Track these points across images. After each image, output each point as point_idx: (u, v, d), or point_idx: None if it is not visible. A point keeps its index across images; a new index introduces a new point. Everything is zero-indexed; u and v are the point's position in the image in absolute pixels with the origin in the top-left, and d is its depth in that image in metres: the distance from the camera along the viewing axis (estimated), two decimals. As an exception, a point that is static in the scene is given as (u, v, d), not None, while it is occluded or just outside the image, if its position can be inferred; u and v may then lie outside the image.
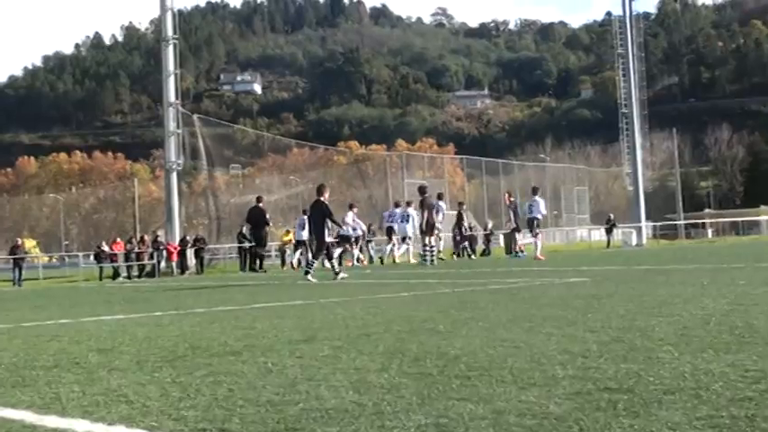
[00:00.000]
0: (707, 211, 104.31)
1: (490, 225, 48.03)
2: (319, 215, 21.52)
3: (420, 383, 4.68)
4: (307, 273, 20.62)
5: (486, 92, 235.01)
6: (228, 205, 53.30)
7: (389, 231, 35.18)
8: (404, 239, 35.21)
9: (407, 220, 35.32)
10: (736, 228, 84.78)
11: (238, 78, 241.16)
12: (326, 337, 7.29)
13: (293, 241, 36.66)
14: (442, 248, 34.54)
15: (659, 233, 68.32)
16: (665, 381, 4.39)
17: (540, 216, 32.01)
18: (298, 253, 33.88)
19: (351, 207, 35.19)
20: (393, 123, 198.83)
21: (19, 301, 19.34)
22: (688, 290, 10.86)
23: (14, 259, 40.08)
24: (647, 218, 58.35)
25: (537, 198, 32.32)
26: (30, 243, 62.36)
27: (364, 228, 36.24)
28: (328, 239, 21.87)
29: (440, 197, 37.74)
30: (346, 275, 20.43)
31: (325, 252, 21.92)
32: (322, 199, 21.62)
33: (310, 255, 22.81)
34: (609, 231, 51.85)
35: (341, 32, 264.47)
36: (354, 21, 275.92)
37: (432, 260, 29.77)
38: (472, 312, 9.16)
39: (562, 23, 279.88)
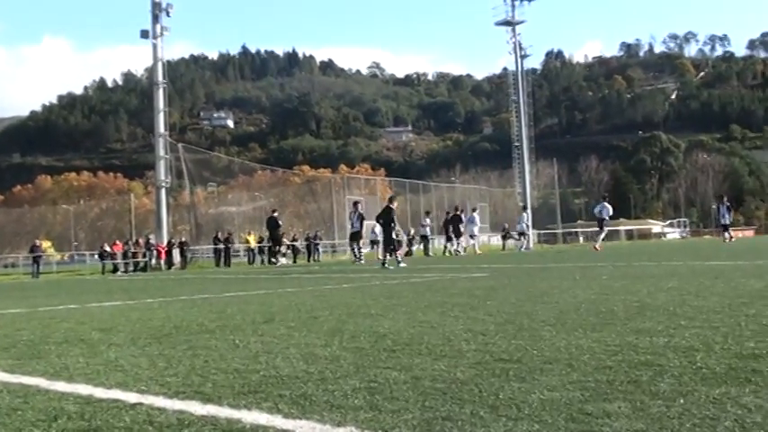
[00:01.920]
0: (579, 222, 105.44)
1: (412, 231, 48.06)
2: (387, 218, 21.93)
3: (356, 355, 4.67)
4: (383, 264, 21.19)
5: (409, 128, 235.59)
6: (206, 215, 52.82)
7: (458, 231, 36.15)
8: (471, 237, 35.58)
9: (473, 222, 35.91)
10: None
11: (215, 115, 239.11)
12: (282, 319, 7.25)
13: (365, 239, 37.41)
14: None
15: (543, 239, 68.97)
16: (545, 353, 4.43)
17: (607, 217, 32.19)
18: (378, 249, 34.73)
19: (427, 214, 35.89)
20: (337, 152, 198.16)
21: (36, 290, 18.95)
22: (564, 283, 10.97)
23: (33, 257, 39.39)
24: (534, 227, 58.84)
25: (606, 204, 32.52)
26: (46, 244, 60.87)
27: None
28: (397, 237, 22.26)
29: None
30: (392, 267, 20.49)
31: (391, 246, 22.26)
32: (391, 206, 21.99)
33: (381, 249, 23.04)
34: (504, 237, 52.14)
35: (296, 80, 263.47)
36: (307, 71, 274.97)
37: (360, 258, 29.72)
38: (397, 300, 9.17)
39: (469, 76, 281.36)
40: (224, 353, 5.07)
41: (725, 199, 38.57)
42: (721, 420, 2.75)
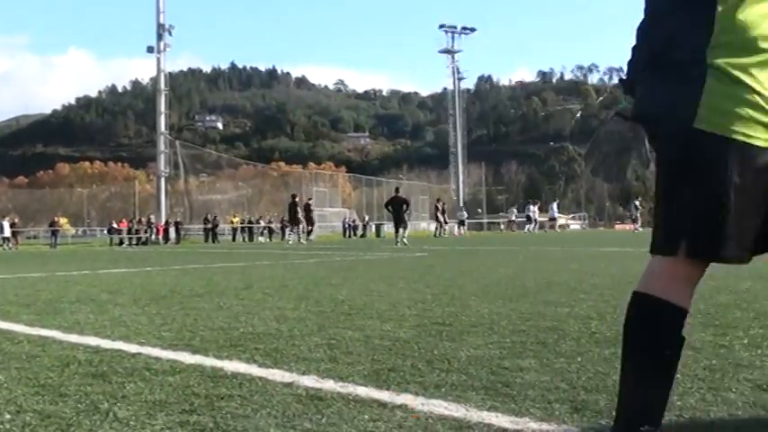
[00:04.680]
0: (501, 213, 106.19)
1: (366, 218, 48.16)
2: (400, 205, 22.29)
3: (318, 317, 4.66)
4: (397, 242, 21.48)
5: (367, 134, 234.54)
6: (197, 200, 52.21)
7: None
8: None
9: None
10: (519, 224, 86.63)
11: (207, 118, 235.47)
12: (259, 286, 7.20)
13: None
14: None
15: (471, 227, 69.30)
16: (471, 319, 4.46)
17: (555, 215, 38.07)
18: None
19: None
20: (307, 152, 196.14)
21: (54, 258, 18.55)
22: (488, 262, 11.06)
23: (52, 230, 38.61)
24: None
25: (554, 205, 38.50)
26: (63, 220, 59.21)
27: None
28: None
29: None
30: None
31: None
32: (398, 195, 22.85)
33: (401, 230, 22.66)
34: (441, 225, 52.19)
35: (275, 92, 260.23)
36: (284, 85, 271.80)
37: (300, 240, 28.82)
38: (353, 273, 9.16)
39: (416, 93, 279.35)
40: (210, 313, 5.02)
41: (637, 200, 41.96)
42: (611, 375, 2.80)
